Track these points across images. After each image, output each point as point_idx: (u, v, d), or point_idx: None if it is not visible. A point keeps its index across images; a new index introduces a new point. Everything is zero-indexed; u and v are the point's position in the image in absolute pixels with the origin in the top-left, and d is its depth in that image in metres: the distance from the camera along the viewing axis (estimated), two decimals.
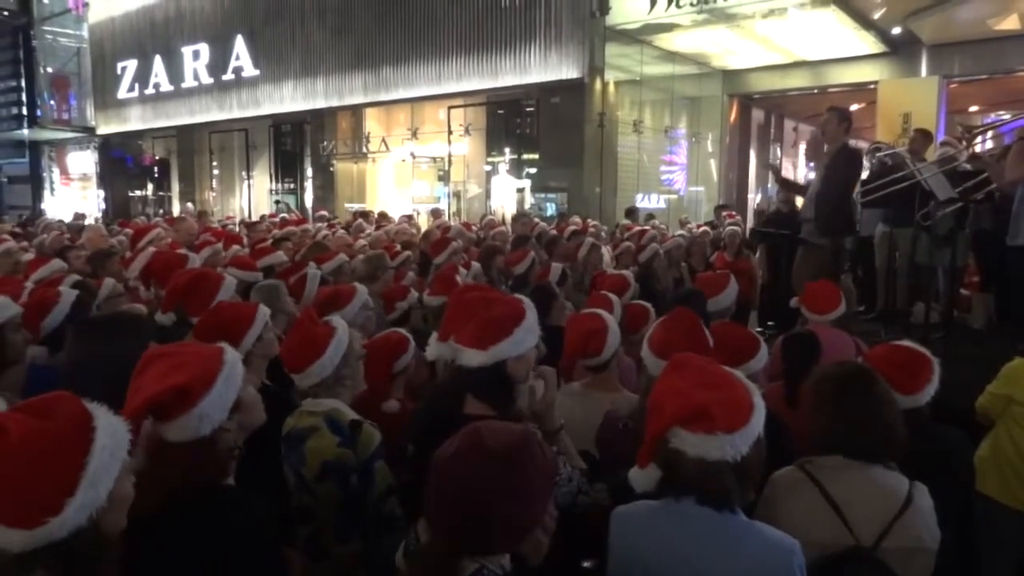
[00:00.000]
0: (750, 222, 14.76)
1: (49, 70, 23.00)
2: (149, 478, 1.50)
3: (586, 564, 2.04)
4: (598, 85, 12.61)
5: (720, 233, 8.05)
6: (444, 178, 16.22)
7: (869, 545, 1.81)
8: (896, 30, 12.24)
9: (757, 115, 17.20)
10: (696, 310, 2.62)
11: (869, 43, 12.65)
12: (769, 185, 18.22)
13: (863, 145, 7.97)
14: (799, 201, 7.73)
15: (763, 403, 1.58)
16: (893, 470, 1.90)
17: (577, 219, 9.23)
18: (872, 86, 12.99)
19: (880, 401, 1.94)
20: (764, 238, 7.24)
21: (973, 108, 15.50)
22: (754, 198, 17.40)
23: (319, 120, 16.62)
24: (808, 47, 13.19)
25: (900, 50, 12.91)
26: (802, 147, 19.96)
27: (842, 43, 12.67)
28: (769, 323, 6.56)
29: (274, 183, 18.83)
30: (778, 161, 18.30)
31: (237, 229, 9.07)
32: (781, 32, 12.37)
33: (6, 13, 23.45)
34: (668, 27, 12.25)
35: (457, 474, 1.32)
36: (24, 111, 23.72)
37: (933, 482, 1.90)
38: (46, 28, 23.00)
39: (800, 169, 19.85)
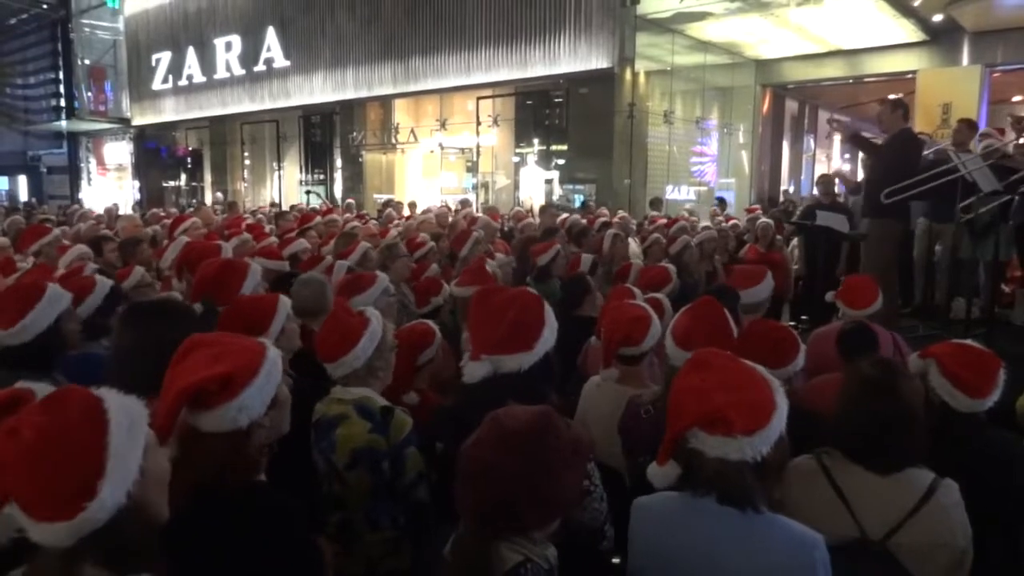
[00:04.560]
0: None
1: (86, 62, 23.45)
2: (181, 469, 1.49)
3: (615, 560, 2.01)
4: (628, 75, 12.47)
5: (750, 226, 7.93)
6: (472, 169, 16.22)
7: (877, 539, 1.79)
8: (937, 18, 11.92)
9: (791, 106, 16.91)
10: (727, 306, 2.56)
11: (908, 31, 12.34)
12: (803, 177, 17.93)
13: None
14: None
15: (786, 401, 1.55)
16: (918, 467, 1.86)
17: (605, 211, 9.15)
18: (910, 76, 12.67)
19: (896, 410, 1.87)
20: (801, 230, 7.11)
21: (1016, 98, 15.05)
22: (786, 190, 17.12)
23: (348, 111, 16.71)
24: (844, 36, 12.91)
25: (940, 38, 12.57)
26: (836, 138, 19.61)
27: (880, 31, 12.38)
28: (803, 317, 6.44)
29: (304, 174, 19.00)
30: (815, 153, 17.95)
31: (270, 220, 9.15)
32: (816, 20, 12.12)
33: (45, 6, 23.95)
34: (700, 16, 12.08)
35: (478, 458, 1.37)
36: (62, 103, 24.27)
37: (988, 487, 1.84)
38: (84, 21, 23.43)
39: (835, 161, 19.50)
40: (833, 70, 14.29)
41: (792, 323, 6.24)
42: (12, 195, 27.25)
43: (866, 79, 14.16)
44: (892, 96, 5.50)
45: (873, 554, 1.78)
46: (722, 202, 12.78)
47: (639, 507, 1.69)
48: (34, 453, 1.10)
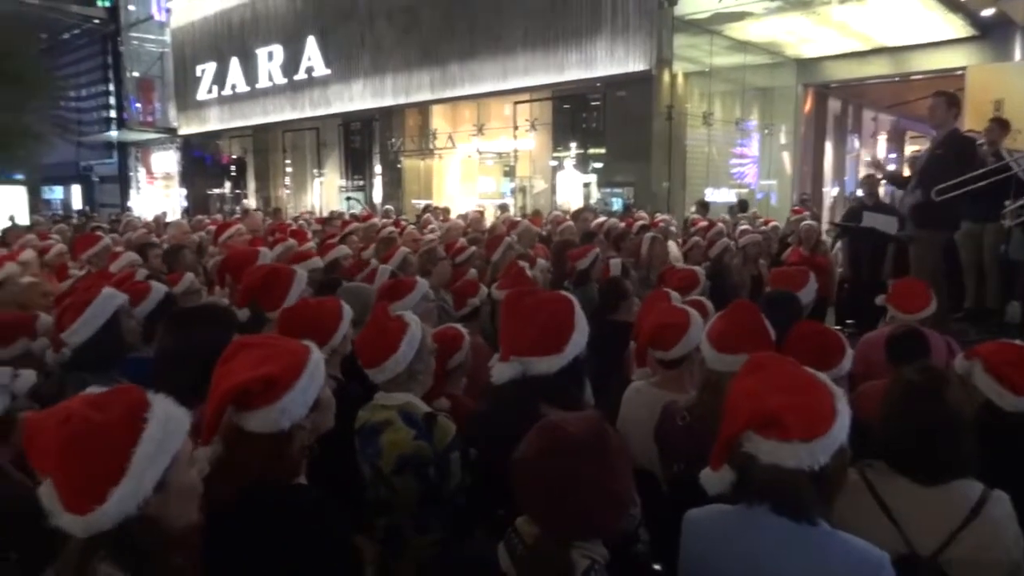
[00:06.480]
0: (825, 216, 14.28)
1: (135, 74, 24.17)
2: (225, 467, 1.54)
3: (657, 567, 1.99)
4: (666, 77, 12.37)
5: (792, 228, 7.78)
6: (510, 173, 16.26)
7: (927, 555, 1.72)
8: (987, 12, 11.57)
9: (834, 105, 16.58)
10: (790, 314, 2.51)
11: (956, 27, 12.00)
12: (847, 178, 17.55)
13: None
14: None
15: (848, 410, 1.48)
16: (966, 478, 1.80)
17: (644, 214, 9.08)
18: (960, 72, 12.30)
19: (943, 417, 1.80)
20: (846, 232, 6.96)
21: None
22: (830, 191, 16.79)
23: (387, 118, 16.90)
24: (889, 32, 12.60)
25: (991, 33, 12.20)
26: (881, 138, 19.16)
27: (927, 27, 12.07)
28: (848, 321, 6.30)
29: (344, 180, 19.29)
30: (862, 154, 17.56)
31: (310, 225, 9.32)
32: (860, 17, 11.86)
33: (96, 21, 24.78)
34: (739, 16, 11.92)
35: (556, 468, 1.36)
36: (113, 114, 25.07)
37: None
38: (132, 35, 24.15)
39: (878, 159, 19.05)
40: (878, 68, 13.97)
41: (837, 327, 6.11)
42: (66, 204, 28.27)
43: (913, 76, 13.81)
44: (942, 91, 5.33)
45: (924, 570, 1.72)
46: (742, 205, 12.46)
47: (690, 521, 1.64)
48: (71, 445, 1.17)
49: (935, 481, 1.78)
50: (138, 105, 24.23)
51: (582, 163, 14.77)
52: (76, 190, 29.56)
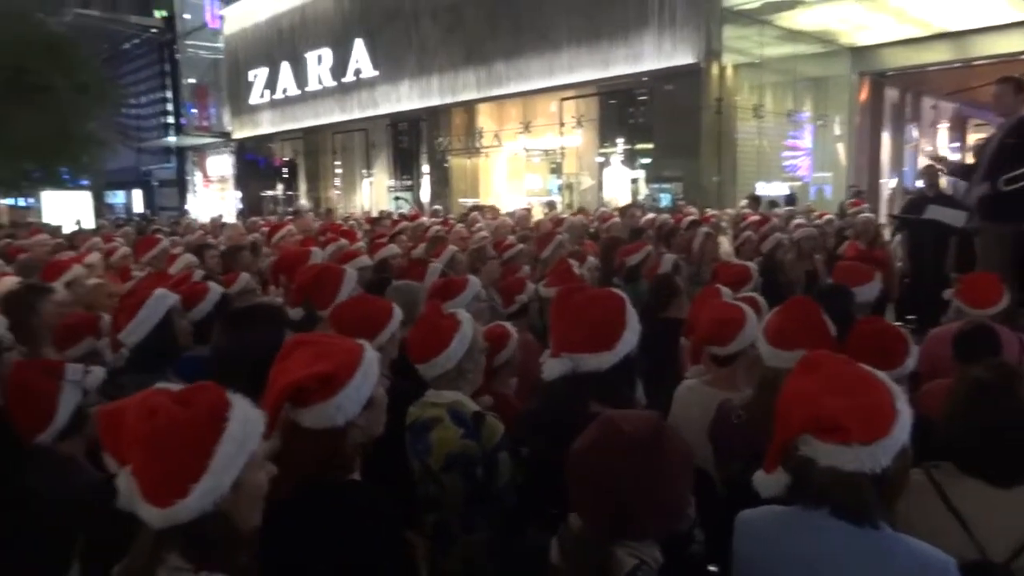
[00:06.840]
0: (883, 209, 13.84)
1: (191, 81, 24.96)
2: (282, 462, 1.58)
3: (712, 568, 1.96)
4: (715, 70, 12.15)
5: (850, 222, 7.56)
6: (557, 171, 16.22)
7: (1001, 561, 1.64)
8: None
9: (891, 94, 16.00)
10: (841, 306, 2.44)
11: (1022, 9, 11.46)
12: (906, 169, 16.98)
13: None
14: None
15: (908, 409, 1.43)
16: None
17: (693, 209, 8.94)
18: None
19: (1014, 414, 1.72)
20: (906, 225, 6.72)
21: None
22: (887, 183, 16.24)
23: (434, 117, 17.04)
24: (950, 17, 12.12)
25: None
26: (942, 127, 18.47)
27: (990, 10, 11.56)
28: (908, 317, 6.09)
29: (393, 180, 19.54)
30: (922, 145, 16.98)
31: (360, 225, 9.47)
32: (918, 2, 11.45)
33: (154, 31, 25.68)
34: (790, 4, 11.65)
35: (604, 464, 1.37)
36: (171, 120, 25.94)
37: None
38: (188, 43, 24.96)
39: (941, 151, 18.37)
40: (938, 54, 13.43)
41: (898, 323, 5.91)
42: (128, 207, 29.40)
43: (975, 62, 13.25)
44: (1008, 77, 5.10)
45: None
46: (790, 199, 12.10)
47: (743, 521, 1.60)
48: (155, 439, 1.21)
49: (1009, 482, 1.70)
50: (194, 111, 25.03)
51: (629, 159, 14.63)
52: (137, 194, 30.71)
